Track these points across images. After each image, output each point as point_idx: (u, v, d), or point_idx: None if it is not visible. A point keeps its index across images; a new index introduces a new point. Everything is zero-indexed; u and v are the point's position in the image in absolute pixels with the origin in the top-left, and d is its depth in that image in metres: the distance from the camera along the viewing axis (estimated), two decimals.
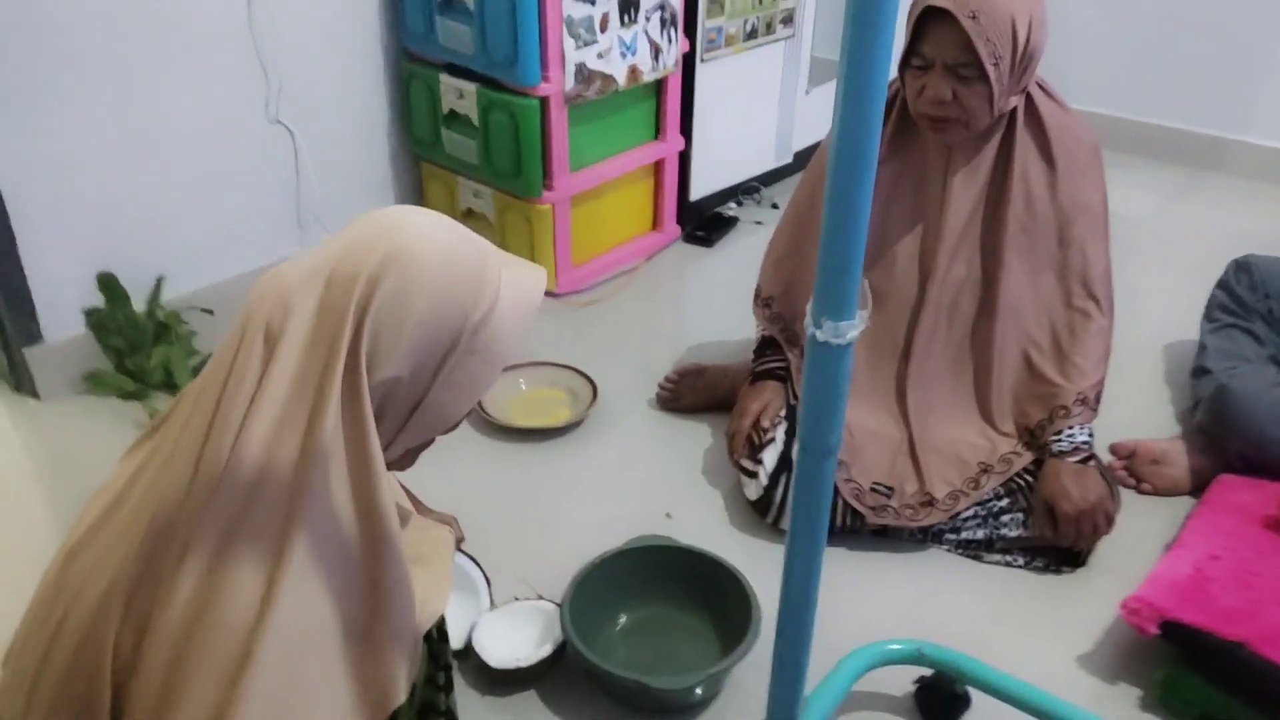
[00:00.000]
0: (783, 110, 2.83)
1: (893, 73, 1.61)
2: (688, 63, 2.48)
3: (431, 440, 0.95)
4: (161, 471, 0.84)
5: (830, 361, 0.80)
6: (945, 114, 1.51)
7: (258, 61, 2.10)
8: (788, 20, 2.69)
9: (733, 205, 2.83)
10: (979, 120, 1.52)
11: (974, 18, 1.43)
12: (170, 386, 1.98)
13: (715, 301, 2.45)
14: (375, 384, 0.83)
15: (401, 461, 0.95)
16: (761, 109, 2.79)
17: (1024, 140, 1.58)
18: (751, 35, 2.61)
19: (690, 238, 2.69)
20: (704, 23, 2.45)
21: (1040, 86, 1.58)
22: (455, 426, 0.92)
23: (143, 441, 0.93)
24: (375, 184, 2.48)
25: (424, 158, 2.48)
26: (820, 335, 0.79)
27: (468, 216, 2.44)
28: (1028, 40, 1.46)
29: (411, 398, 0.86)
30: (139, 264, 2.04)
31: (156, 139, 2.00)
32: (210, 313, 2.09)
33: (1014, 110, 1.57)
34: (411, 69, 2.35)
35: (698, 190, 2.69)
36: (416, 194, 2.55)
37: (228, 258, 2.17)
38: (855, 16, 0.66)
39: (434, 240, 0.86)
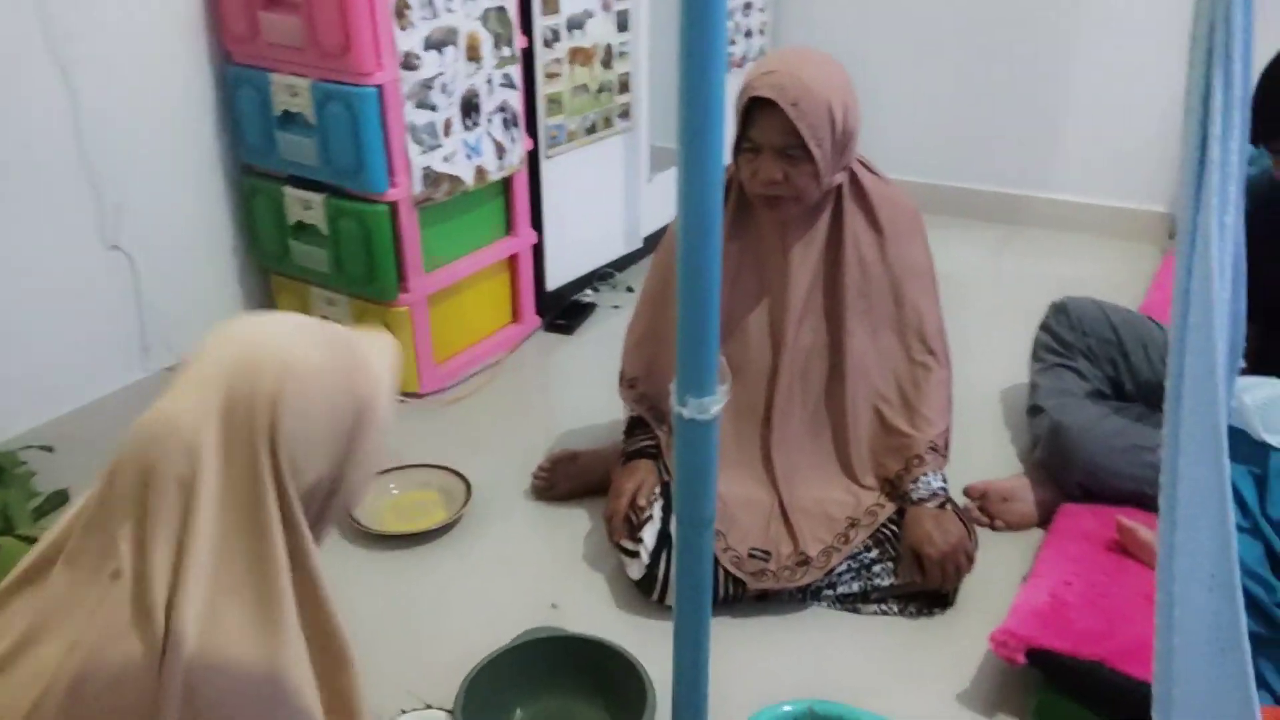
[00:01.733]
0: (628, 198, 2.94)
1: (727, 158, 1.72)
2: (533, 159, 2.55)
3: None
4: (72, 651, 0.80)
5: (698, 436, 0.84)
6: (778, 192, 1.62)
7: (89, 187, 2.04)
8: (625, 114, 2.81)
9: (589, 291, 2.90)
10: (809, 196, 1.63)
11: (795, 105, 1.55)
12: (7, 532, 1.85)
13: (581, 387, 2.48)
14: (302, 495, 0.86)
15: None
16: (608, 198, 2.89)
17: (852, 211, 1.70)
18: (592, 130, 2.72)
19: (551, 326, 2.73)
20: (545, 121, 2.54)
21: (861, 162, 1.72)
22: None
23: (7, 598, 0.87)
24: (223, 301, 2.42)
25: (273, 270, 2.45)
26: (686, 413, 0.83)
27: None
28: (844, 122, 1.59)
29: (329, 488, 0.90)
30: None
31: None
32: (50, 449, 1.98)
33: (840, 185, 1.69)
34: (253, 183, 2.33)
35: (554, 280, 2.75)
36: (267, 308, 2.51)
37: (67, 391, 2.07)
38: (688, 106, 0.72)
39: (305, 341, 0.89)
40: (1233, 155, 0.63)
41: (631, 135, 2.86)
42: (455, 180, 2.30)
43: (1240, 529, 1.26)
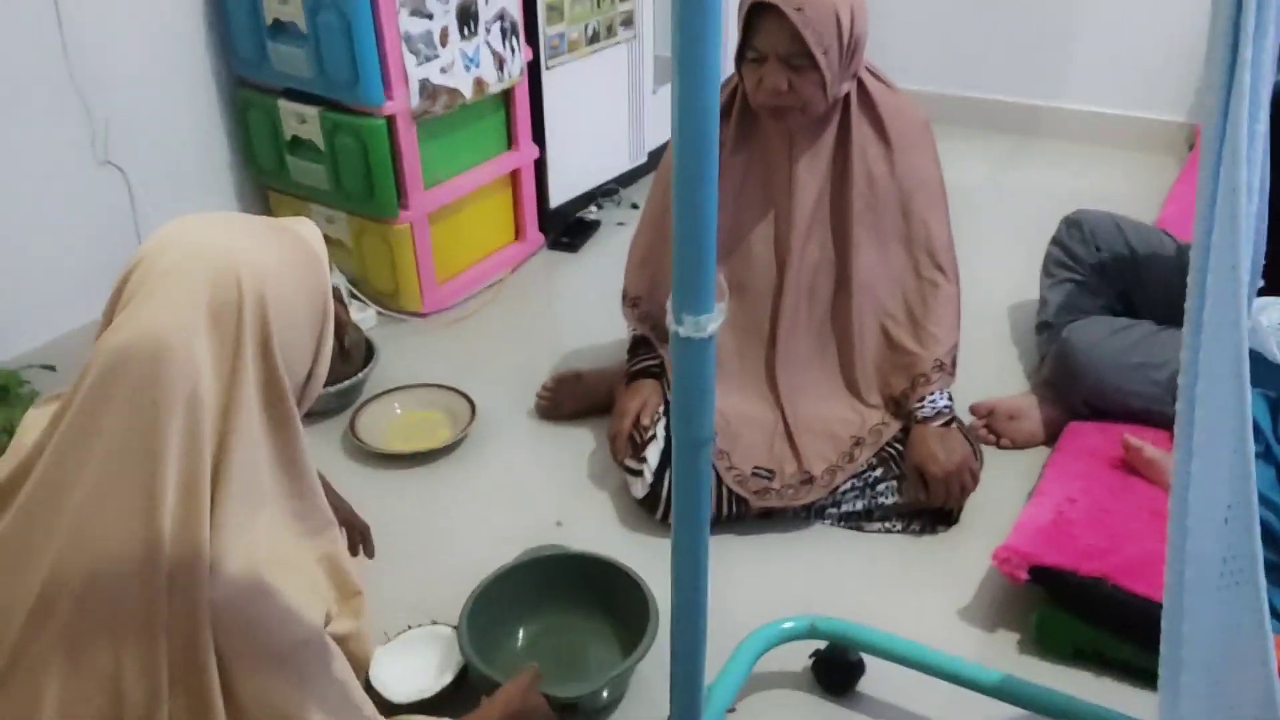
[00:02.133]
0: (632, 111, 2.86)
1: (730, 69, 1.66)
2: (534, 71, 2.48)
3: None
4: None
5: (695, 355, 0.82)
6: (783, 102, 1.57)
7: (79, 101, 1.99)
8: (628, 22, 2.73)
9: (594, 209, 2.85)
10: (815, 106, 1.58)
11: (800, 10, 1.49)
12: None
13: (585, 306, 2.46)
14: (295, 386, 0.91)
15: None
16: (611, 111, 2.81)
17: (860, 122, 1.64)
18: (594, 39, 2.63)
19: (554, 245, 2.69)
20: (545, 30, 2.46)
21: (869, 71, 1.65)
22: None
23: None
24: None
25: (270, 187, 2.40)
26: (682, 331, 0.80)
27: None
28: (851, 28, 1.52)
29: (306, 379, 0.95)
30: None
31: None
32: (52, 369, 1.98)
33: (848, 95, 1.63)
34: (247, 96, 2.27)
35: (557, 197, 2.70)
36: None
37: (65, 310, 2.05)
38: (683, 14, 0.68)
39: (263, 242, 0.91)
40: (1266, 55, 0.59)
41: (635, 44, 2.78)
42: (454, 92, 2.24)
43: (1256, 454, 1.24)
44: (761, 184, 1.71)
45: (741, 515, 1.69)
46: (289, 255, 0.91)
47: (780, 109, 1.59)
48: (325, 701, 0.92)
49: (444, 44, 2.18)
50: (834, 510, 1.70)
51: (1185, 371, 0.67)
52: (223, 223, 0.93)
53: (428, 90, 2.18)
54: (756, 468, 1.69)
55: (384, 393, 2.03)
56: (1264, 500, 1.21)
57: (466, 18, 2.21)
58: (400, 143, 2.16)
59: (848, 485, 1.69)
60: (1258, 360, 1.26)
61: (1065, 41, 3.17)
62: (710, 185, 0.75)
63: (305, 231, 0.97)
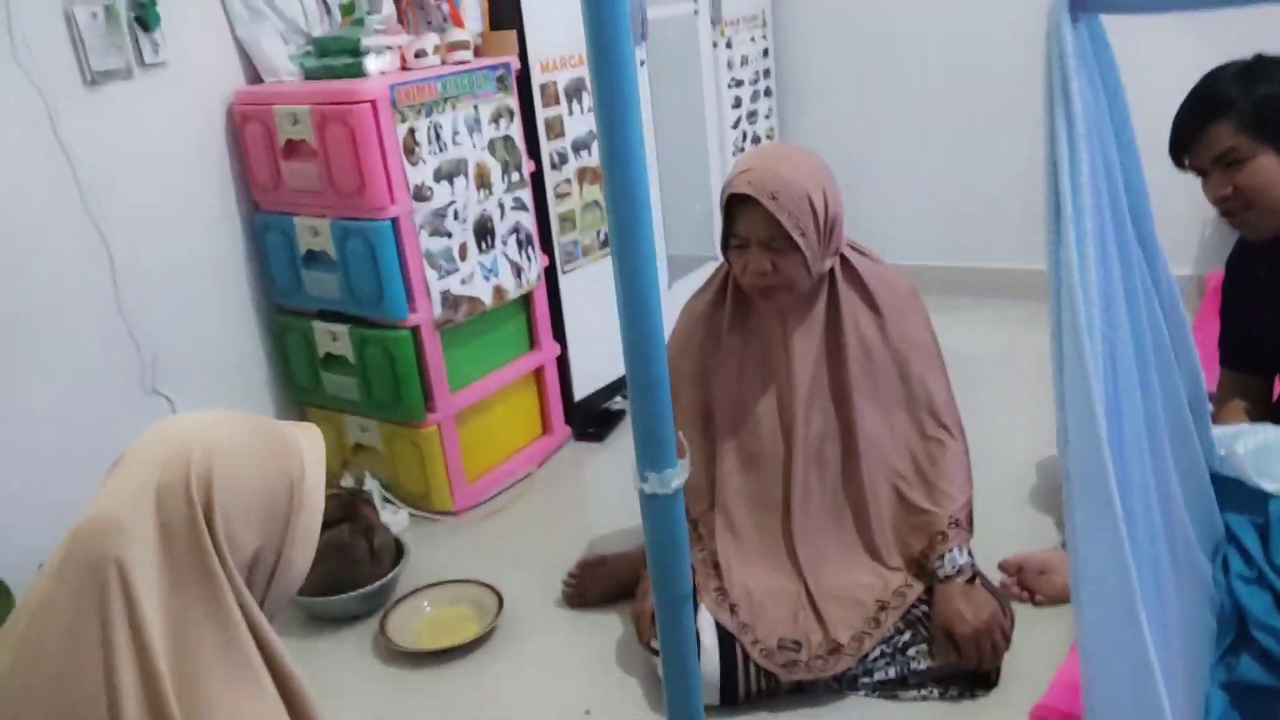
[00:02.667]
0: None
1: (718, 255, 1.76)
2: (551, 274, 2.63)
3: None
4: None
5: (663, 511, 0.86)
6: (769, 283, 1.66)
7: (129, 336, 2.16)
8: None
9: (618, 400, 2.93)
10: (800, 283, 1.67)
11: (774, 198, 1.60)
12: None
13: (613, 494, 2.49)
14: (242, 568, 0.90)
15: None
16: None
17: (847, 293, 1.73)
18: (606, 243, 2.80)
19: (581, 436, 2.76)
20: (559, 239, 2.64)
21: (851, 246, 1.75)
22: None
23: None
24: None
25: (307, 402, 2.53)
26: (647, 488, 0.85)
27: (357, 451, 2.47)
28: (826, 208, 1.63)
29: (271, 566, 0.94)
30: (20, 553, 1.99)
31: (29, 426, 2.01)
32: None
33: (833, 270, 1.72)
34: (284, 321, 2.44)
35: (581, 390, 2.80)
36: None
37: None
38: (613, 193, 0.77)
39: (232, 425, 0.96)
40: (1084, 191, 0.66)
41: None
42: (474, 301, 2.39)
43: (1246, 579, 1.21)
44: (760, 360, 1.78)
45: (772, 691, 1.65)
46: (256, 440, 0.95)
47: (768, 289, 1.68)
48: None
49: (463, 258, 2.35)
50: (867, 680, 1.66)
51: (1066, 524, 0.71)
52: (205, 414, 0.99)
53: (449, 301, 2.32)
54: (782, 640, 1.66)
55: (413, 592, 2.06)
56: (1261, 625, 1.17)
57: (483, 233, 2.39)
58: (425, 350, 2.29)
59: (878, 652, 1.65)
60: (1239, 487, 1.25)
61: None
62: (658, 347, 0.81)
63: (294, 430, 1.02)
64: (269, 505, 0.93)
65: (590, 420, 2.80)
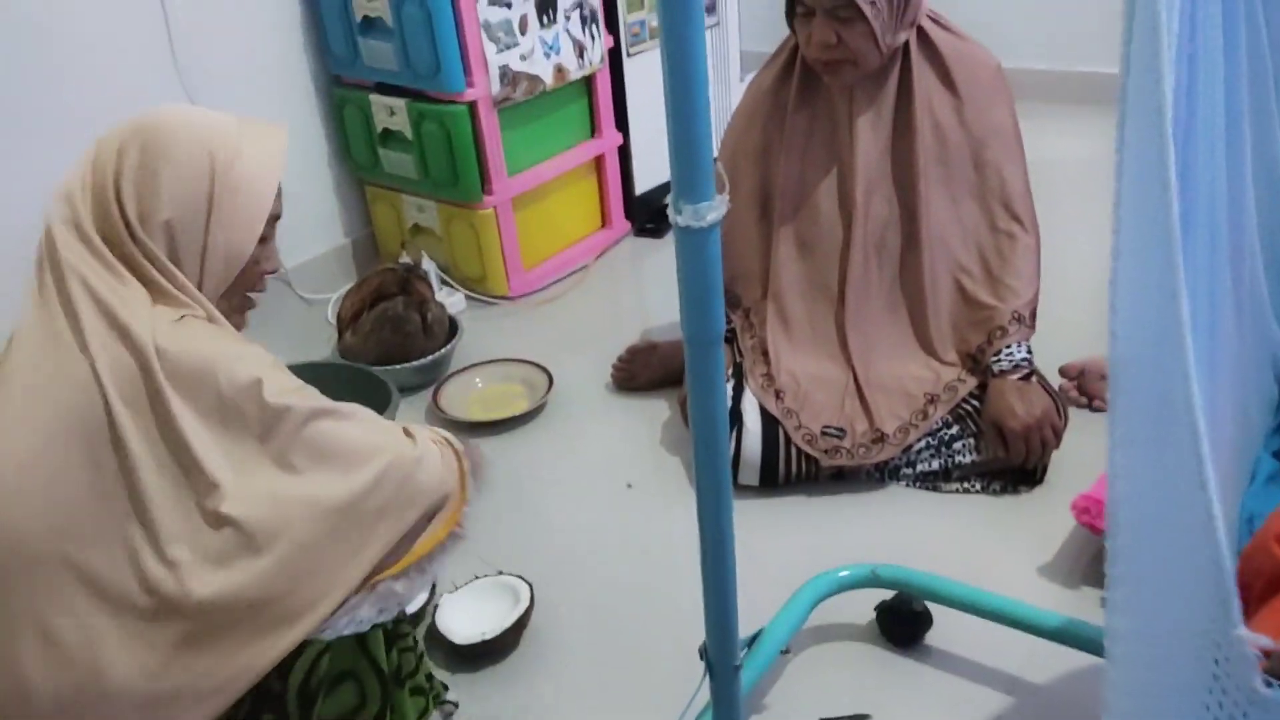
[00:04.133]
0: (718, 98, 2.87)
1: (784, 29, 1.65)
2: (615, 58, 2.52)
3: (250, 289, 1.08)
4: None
5: (697, 246, 0.82)
6: (833, 56, 1.54)
7: (187, 101, 2.13)
8: (711, 9, 2.74)
9: None
10: (869, 59, 1.55)
11: None
12: None
13: (669, 289, 2.42)
14: (153, 229, 0.96)
15: (230, 315, 1.05)
16: None
17: (923, 72, 1.60)
18: None
19: (641, 231, 2.71)
20: (625, 17, 2.50)
21: (931, 18, 1.61)
22: (263, 273, 1.07)
23: None
24: (323, 216, 2.51)
25: (366, 180, 2.51)
26: (681, 220, 0.80)
27: (415, 231, 2.47)
28: None
29: (195, 241, 0.98)
30: None
31: None
32: None
33: (908, 45, 1.59)
34: (343, 94, 2.39)
35: (642, 184, 2.73)
36: (363, 218, 2.58)
37: None
38: None
39: (173, 110, 1.01)
40: None
41: (719, 32, 2.79)
42: (534, 79, 2.30)
43: None
44: (825, 141, 1.69)
45: (813, 475, 1.65)
46: (193, 122, 1.00)
47: (832, 63, 1.57)
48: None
49: (523, 32, 2.24)
50: (909, 471, 1.65)
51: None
52: (196, 109, 1.05)
53: (508, 77, 2.24)
54: (826, 427, 1.65)
55: (466, 368, 2.09)
56: None
57: (546, 6, 2.27)
58: (483, 129, 2.23)
59: (922, 444, 1.63)
60: None
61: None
62: (699, 70, 0.75)
63: (253, 125, 1.04)
64: (183, 180, 0.96)
65: (650, 215, 2.74)
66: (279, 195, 1.06)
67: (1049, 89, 3.17)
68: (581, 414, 1.97)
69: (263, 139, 1.03)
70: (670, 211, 0.82)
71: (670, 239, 2.65)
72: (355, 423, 1.00)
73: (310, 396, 0.99)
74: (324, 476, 0.95)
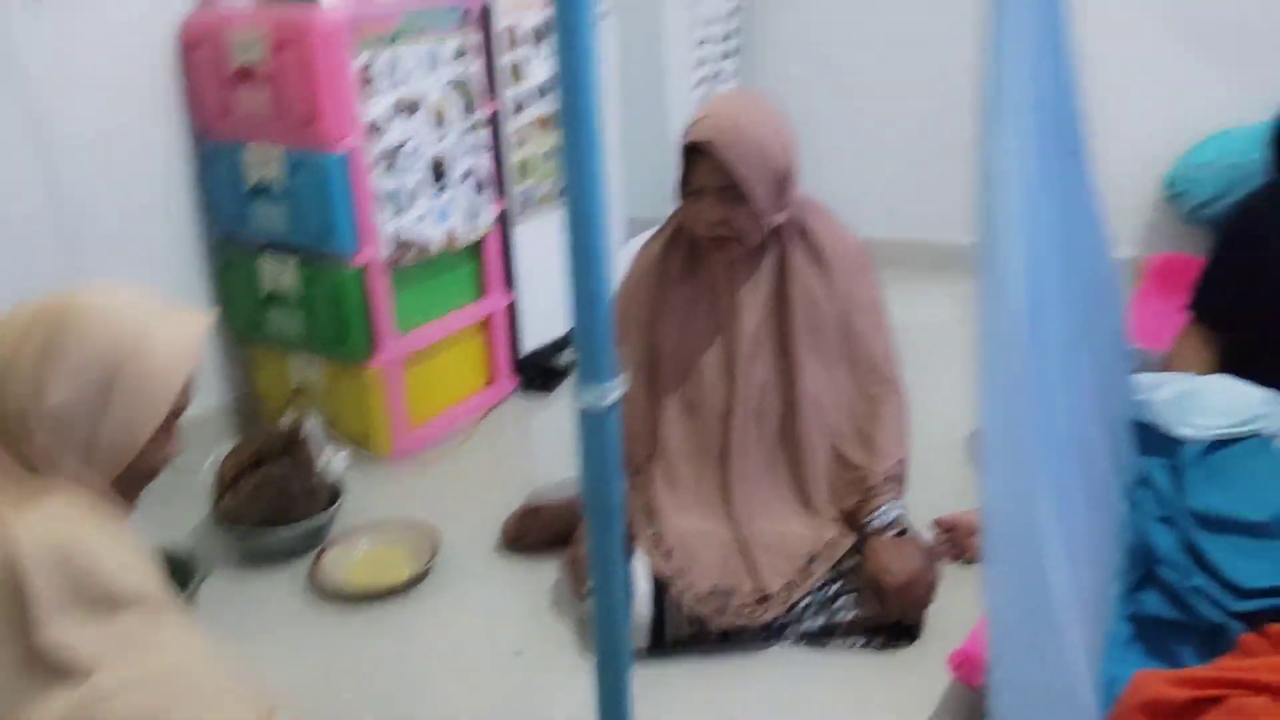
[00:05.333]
0: None
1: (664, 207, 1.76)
2: (504, 222, 2.61)
3: (146, 476, 1.05)
4: None
5: (598, 428, 0.86)
6: (721, 233, 1.66)
7: (69, 268, 2.09)
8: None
9: (567, 354, 2.92)
10: (751, 236, 1.68)
11: (729, 148, 1.60)
12: None
13: (556, 447, 2.48)
14: (41, 414, 0.94)
15: (119, 500, 1.02)
16: None
17: (796, 249, 1.74)
18: (561, 194, 2.78)
19: (528, 389, 2.75)
20: (514, 185, 2.61)
21: (805, 202, 1.76)
22: (160, 461, 1.04)
23: None
24: (203, 376, 2.43)
25: (250, 341, 2.49)
26: (582, 403, 0.84)
27: (300, 392, 2.44)
28: (780, 161, 1.64)
29: (81, 430, 0.96)
30: None
31: None
32: None
33: (783, 225, 1.73)
34: (229, 256, 2.39)
35: (530, 342, 2.78)
36: (245, 378, 2.54)
37: None
38: (566, 99, 0.76)
39: (91, 294, 1.00)
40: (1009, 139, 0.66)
41: None
42: (425, 243, 2.36)
43: (1157, 519, 1.26)
44: (709, 311, 1.79)
45: (702, 637, 1.66)
46: (97, 312, 0.99)
47: (720, 239, 1.69)
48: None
49: (416, 198, 2.32)
50: (794, 629, 1.68)
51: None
52: (122, 288, 1.04)
53: (400, 242, 2.29)
54: (714, 586, 1.68)
55: (349, 532, 2.04)
56: (1169, 562, 1.21)
57: (438, 173, 2.36)
58: (373, 290, 2.26)
59: (806, 601, 1.68)
60: (1157, 433, 1.29)
61: None
62: (601, 259, 0.81)
63: (171, 315, 1.04)
64: (80, 367, 0.95)
65: (538, 373, 2.79)
66: (187, 388, 1.04)
67: (910, 257, 3.43)
68: (469, 577, 1.95)
69: (178, 329, 1.02)
70: (573, 395, 0.86)
71: (558, 395, 2.72)
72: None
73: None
74: None
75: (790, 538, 1.72)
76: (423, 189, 2.33)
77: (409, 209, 2.30)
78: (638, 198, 3.07)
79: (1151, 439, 1.29)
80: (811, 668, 1.65)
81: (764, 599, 1.66)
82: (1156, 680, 1.07)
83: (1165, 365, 1.75)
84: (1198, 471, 1.25)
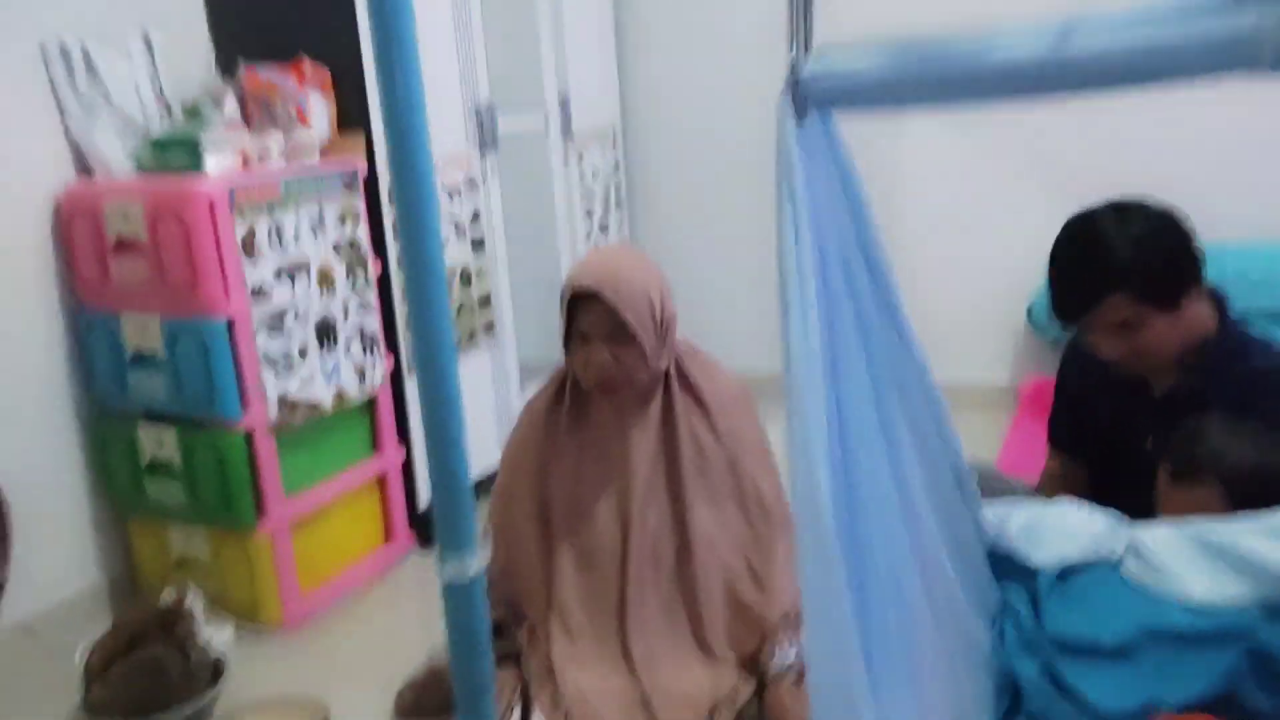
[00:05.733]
0: (499, 410, 2.99)
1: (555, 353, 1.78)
2: (396, 377, 2.60)
3: None
4: None
5: (463, 600, 0.84)
6: (610, 376, 1.69)
7: None
8: (490, 329, 2.92)
9: None
10: (640, 377, 1.71)
11: (616, 293, 1.65)
12: None
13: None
14: None
15: None
16: (479, 412, 2.93)
17: (680, 394, 1.78)
18: (457, 347, 2.80)
19: (426, 545, 2.69)
20: (405, 340, 2.61)
21: (685, 347, 1.81)
22: None
23: None
24: (76, 555, 2.34)
25: (128, 514, 2.38)
26: (445, 576, 0.83)
27: (181, 564, 2.33)
28: (661, 307, 1.69)
29: None
30: None
31: None
32: None
33: (668, 372, 1.77)
34: (106, 426, 2.31)
35: (427, 497, 2.73)
36: (124, 553, 2.42)
37: None
38: (406, 232, 0.77)
39: None
40: (809, 283, 0.71)
41: (498, 350, 2.96)
42: (313, 405, 2.33)
43: (1020, 648, 1.28)
44: (597, 458, 1.79)
45: None
46: None
47: (609, 383, 1.71)
48: None
49: (303, 360, 2.30)
50: None
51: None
52: None
53: (286, 403, 2.26)
54: None
55: (234, 712, 1.93)
56: (1032, 690, 1.23)
57: (325, 335, 2.35)
58: (258, 455, 2.21)
59: None
60: (1011, 562, 1.33)
61: None
62: (456, 421, 0.81)
63: None
64: None
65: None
66: None
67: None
68: None
69: None
70: (436, 566, 0.85)
71: None
72: None
73: None
74: None
75: (691, 686, 1.69)
76: (310, 350, 2.32)
77: (296, 371, 2.28)
78: (529, 344, 3.11)
79: (1009, 568, 1.32)
80: None
81: None
82: None
83: (1038, 490, 1.83)
84: (1054, 598, 1.29)
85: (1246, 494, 1.37)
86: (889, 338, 0.86)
